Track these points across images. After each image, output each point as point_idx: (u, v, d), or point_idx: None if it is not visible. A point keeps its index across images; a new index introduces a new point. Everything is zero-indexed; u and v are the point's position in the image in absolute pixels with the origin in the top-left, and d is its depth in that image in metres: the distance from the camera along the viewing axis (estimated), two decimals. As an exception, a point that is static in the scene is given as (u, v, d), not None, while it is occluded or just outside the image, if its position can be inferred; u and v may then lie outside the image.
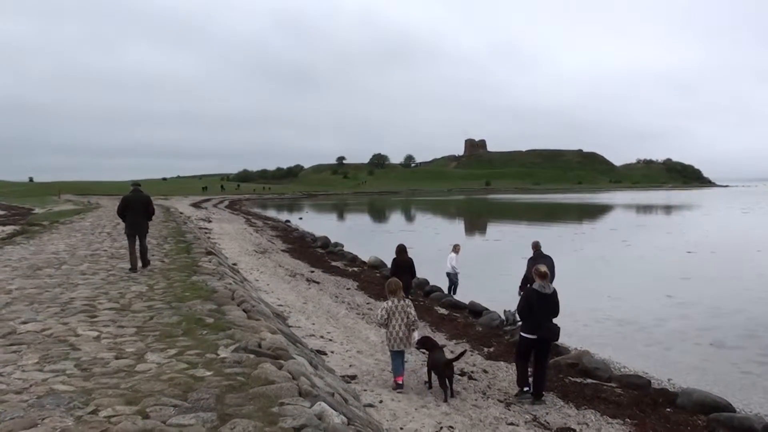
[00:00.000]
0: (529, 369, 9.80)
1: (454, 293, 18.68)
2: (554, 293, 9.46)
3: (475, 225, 59.11)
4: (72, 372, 6.05)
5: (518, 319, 13.70)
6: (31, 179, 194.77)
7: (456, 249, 19.30)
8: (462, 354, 10.19)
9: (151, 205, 14.34)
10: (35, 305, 9.49)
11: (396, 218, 70.50)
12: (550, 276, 12.92)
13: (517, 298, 11.48)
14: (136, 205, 13.94)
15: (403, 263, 14.09)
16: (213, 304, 9.44)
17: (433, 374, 9.58)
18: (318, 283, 20.01)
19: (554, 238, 42.42)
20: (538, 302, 9.29)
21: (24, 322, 8.23)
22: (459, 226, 60.17)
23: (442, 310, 16.62)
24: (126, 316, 8.69)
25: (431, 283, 19.91)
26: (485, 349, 12.63)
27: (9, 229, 26.36)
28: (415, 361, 10.96)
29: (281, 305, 14.80)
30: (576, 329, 15.12)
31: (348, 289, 19.47)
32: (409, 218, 70.44)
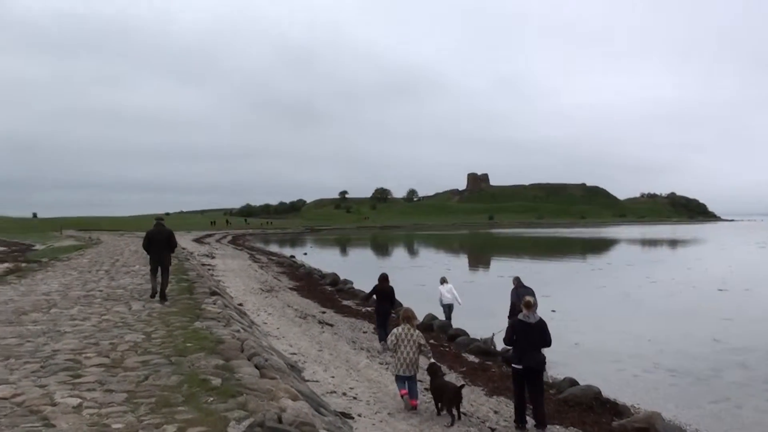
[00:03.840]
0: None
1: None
2: (540, 322, 9.57)
3: (485, 260, 57.46)
4: (38, 464, 4.60)
5: (495, 345, 15.43)
6: (35, 215, 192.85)
7: (446, 280, 19.24)
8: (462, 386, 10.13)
9: (173, 238, 15.43)
10: (11, 360, 8.20)
11: (402, 253, 69.05)
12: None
13: (503, 324, 12.24)
14: (158, 239, 14.99)
15: (384, 291, 15.26)
16: (219, 359, 8.08)
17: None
18: (331, 325, 18.38)
19: (571, 273, 41.00)
20: (522, 332, 9.47)
21: (-8, 385, 6.79)
22: (469, 261, 58.57)
23: (472, 358, 14.93)
24: (116, 376, 7.30)
25: (454, 326, 18.25)
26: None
27: (3, 266, 24.90)
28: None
29: (294, 353, 13.24)
30: (626, 380, 13.52)
31: (364, 332, 17.85)
32: (415, 253, 68.97)
